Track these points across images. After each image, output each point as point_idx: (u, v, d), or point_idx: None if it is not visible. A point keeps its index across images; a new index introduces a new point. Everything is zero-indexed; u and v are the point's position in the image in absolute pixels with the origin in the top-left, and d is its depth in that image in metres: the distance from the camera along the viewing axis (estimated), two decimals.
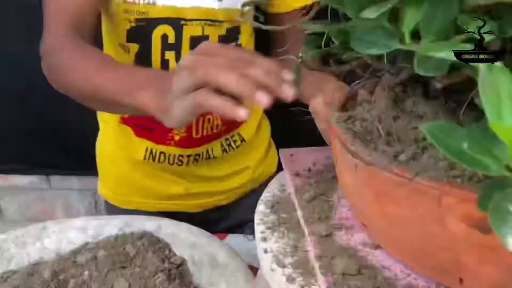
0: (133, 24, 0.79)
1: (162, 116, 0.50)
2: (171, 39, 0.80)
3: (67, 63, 0.66)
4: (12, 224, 1.60)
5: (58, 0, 0.74)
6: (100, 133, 0.98)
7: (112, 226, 0.71)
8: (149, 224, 0.71)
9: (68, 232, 0.70)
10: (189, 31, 0.80)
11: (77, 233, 0.70)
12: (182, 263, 0.67)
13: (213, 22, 0.80)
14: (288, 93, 0.43)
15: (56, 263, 0.63)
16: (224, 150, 0.91)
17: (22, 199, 1.75)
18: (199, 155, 0.89)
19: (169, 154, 0.88)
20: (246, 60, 0.45)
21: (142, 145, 0.88)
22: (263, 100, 0.42)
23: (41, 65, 0.71)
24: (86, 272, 0.61)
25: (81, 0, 0.74)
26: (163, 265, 0.64)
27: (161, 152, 0.88)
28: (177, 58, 0.81)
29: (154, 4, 0.77)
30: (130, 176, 0.92)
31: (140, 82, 0.55)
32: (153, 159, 0.88)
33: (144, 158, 0.88)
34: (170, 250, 0.68)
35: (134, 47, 0.81)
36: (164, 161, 0.88)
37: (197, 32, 0.81)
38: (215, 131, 0.88)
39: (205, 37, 0.81)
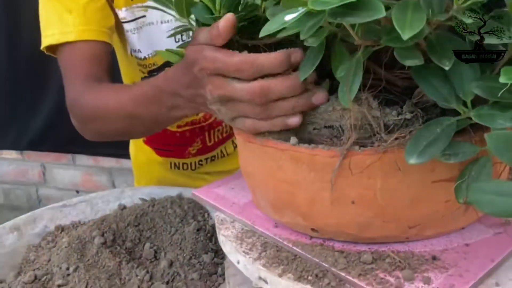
0: (146, 75, 0.94)
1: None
2: None
3: (94, 104, 0.76)
4: None
5: (72, 53, 0.84)
6: (131, 144, 1.18)
7: (170, 193, 0.97)
8: None
9: (138, 195, 0.97)
10: None
11: (144, 196, 0.97)
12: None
13: None
14: (320, 101, 0.49)
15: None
16: (236, 146, 1.09)
17: (131, 180, 2.15)
18: (214, 156, 1.09)
19: (190, 163, 1.08)
20: (268, 89, 0.48)
21: (166, 160, 1.10)
22: (296, 122, 0.50)
23: (72, 122, 0.82)
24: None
25: (94, 48, 0.84)
26: (202, 225, 0.88)
27: (183, 163, 1.09)
28: None
29: (156, 53, 0.90)
30: (165, 177, 1.12)
31: (173, 103, 0.61)
32: (178, 168, 1.09)
33: (171, 168, 1.10)
34: (208, 214, 0.92)
35: None
36: (187, 168, 1.09)
37: None
38: (225, 135, 1.07)
39: None
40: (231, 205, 0.63)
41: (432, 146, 0.41)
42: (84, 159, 2.19)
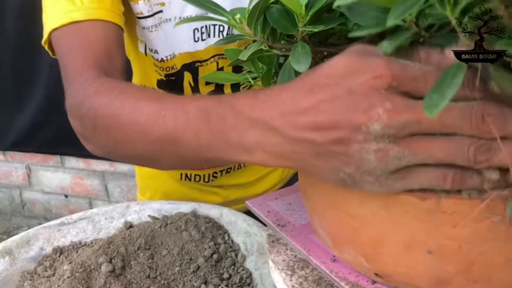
0: (163, 78, 0.87)
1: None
2: (192, 83, 0.89)
3: (116, 110, 0.55)
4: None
5: (78, 36, 0.69)
6: None
7: (182, 210, 0.91)
8: (213, 211, 0.90)
9: (147, 211, 0.91)
10: (204, 71, 0.87)
11: (154, 213, 0.91)
12: (237, 248, 0.84)
13: None
14: None
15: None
16: None
17: (125, 184, 2.09)
18: (230, 168, 1.02)
19: (204, 174, 1.01)
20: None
21: (177, 171, 1.02)
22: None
23: (73, 127, 0.63)
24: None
25: (106, 32, 0.70)
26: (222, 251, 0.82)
27: (196, 175, 1.01)
28: None
29: (174, 56, 0.85)
30: (173, 190, 1.05)
31: (257, 141, 0.42)
32: (189, 180, 1.02)
33: (181, 179, 1.02)
34: (229, 235, 0.86)
35: None
36: (200, 180, 1.02)
37: (212, 69, 0.87)
38: None
39: (221, 70, 0.87)
40: (284, 225, 0.58)
41: None
42: (73, 162, 2.13)
